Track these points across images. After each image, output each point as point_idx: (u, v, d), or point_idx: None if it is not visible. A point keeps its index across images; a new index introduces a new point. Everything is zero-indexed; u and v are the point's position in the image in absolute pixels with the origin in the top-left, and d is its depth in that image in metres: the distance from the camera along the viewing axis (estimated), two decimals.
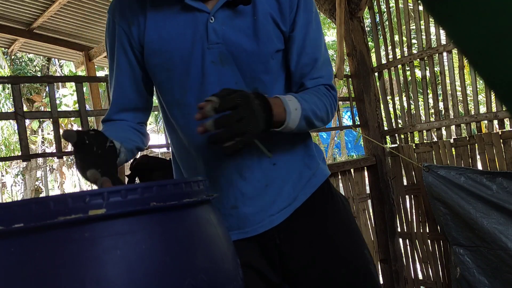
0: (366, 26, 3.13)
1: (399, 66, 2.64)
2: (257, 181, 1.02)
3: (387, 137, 2.78)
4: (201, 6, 0.96)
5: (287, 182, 1.05)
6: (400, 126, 2.68)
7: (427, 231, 2.55)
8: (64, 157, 1.99)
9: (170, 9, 0.98)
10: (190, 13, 0.97)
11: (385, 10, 2.76)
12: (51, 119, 1.83)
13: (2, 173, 12.72)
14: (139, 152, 1.15)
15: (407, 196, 2.66)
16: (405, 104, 2.71)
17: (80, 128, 2.13)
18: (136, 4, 1.00)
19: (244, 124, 0.81)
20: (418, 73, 4.77)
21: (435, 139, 2.50)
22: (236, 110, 0.82)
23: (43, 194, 12.01)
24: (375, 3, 2.76)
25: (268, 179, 1.03)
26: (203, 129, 0.82)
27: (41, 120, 10.40)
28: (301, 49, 1.03)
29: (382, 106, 2.78)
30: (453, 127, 2.44)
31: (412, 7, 2.66)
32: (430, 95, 2.61)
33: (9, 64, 9.92)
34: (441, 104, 2.60)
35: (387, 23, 2.68)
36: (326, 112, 1.02)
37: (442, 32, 2.35)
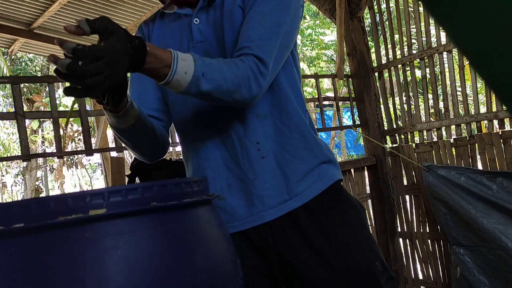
0: (366, 26, 3.13)
1: (399, 66, 2.64)
2: (243, 174, 1.02)
3: (387, 137, 2.78)
4: (187, 11, 1.07)
5: (278, 177, 1.02)
6: (400, 126, 2.68)
7: (427, 231, 2.55)
8: (64, 157, 1.99)
9: (168, 19, 1.12)
10: (180, 20, 1.08)
11: (385, 10, 2.76)
12: (51, 119, 1.83)
13: (2, 173, 12.73)
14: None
15: (407, 196, 2.66)
16: (405, 104, 2.71)
17: (80, 129, 2.12)
18: (151, 19, 1.16)
19: (101, 66, 0.71)
20: (418, 73, 4.77)
21: (435, 139, 2.50)
22: (97, 62, 0.71)
23: (43, 194, 12.01)
24: (375, 3, 2.76)
25: (255, 173, 1.01)
26: (53, 58, 0.73)
27: (41, 120, 10.41)
28: (244, 22, 0.98)
29: (382, 106, 2.78)
30: (453, 127, 2.44)
31: (412, 7, 2.66)
32: (430, 95, 2.61)
33: (9, 64, 9.92)
34: (441, 104, 2.60)
35: (387, 23, 2.68)
36: (236, 85, 0.89)
37: (442, 32, 2.35)
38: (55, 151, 1.85)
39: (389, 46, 2.72)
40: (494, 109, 2.28)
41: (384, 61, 2.77)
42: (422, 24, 2.51)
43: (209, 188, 1.01)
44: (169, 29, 1.10)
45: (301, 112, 1.07)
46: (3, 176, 12.89)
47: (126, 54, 0.75)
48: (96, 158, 11.09)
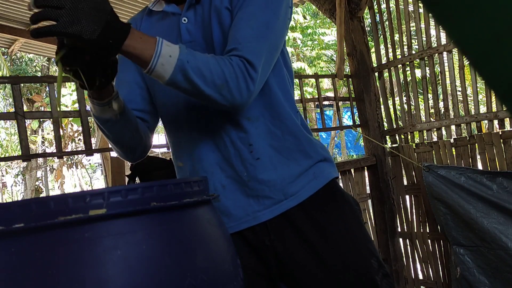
0: (366, 26, 3.13)
1: (399, 66, 2.64)
2: (237, 175, 1.02)
3: (387, 137, 2.78)
4: (175, 10, 1.05)
5: (272, 178, 1.02)
6: (400, 126, 2.68)
7: (427, 231, 2.55)
8: (64, 157, 1.99)
9: (156, 18, 1.10)
10: (168, 18, 1.06)
11: (385, 10, 2.76)
12: (51, 119, 1.83)
13: (2, 173, 12.73)
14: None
15: (407, 196, 2.66)
16: (405, 104, 2.71)
17: (80, 129, 2.12)
18: (139, 16, 1.13)
19: (60, 12, 0.74)
20: (418, 73, 4.78)
21: (435, 139, 2.50)
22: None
23: (43, 194, 12.01)
24: (375, 3, 2.76)
25: (250, 174, 1.01)
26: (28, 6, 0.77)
27: (41, 120, 10.41)
28: (232, 24, 0.96)
29: (382, 106, 2.78)
30: (453, 127, 2.44)
31: (412, 7, 2.66)
32: (430, 95, 2.61)
33: (9, 64, 9.91)
34: (441, 104, 2.60)
35: (387, 23, 2.68)
36: (222, 79, 0.87)
37: (442, 32, 2.35)
38: (55, 151, 1.85)
39: (389, 46, 2.72)
40: (494, 109, 2.28)
41: (384, 61, 2.77)
42: (422, 24, 2.51)
43: None
44: (157, 28, 1.08)
45: (292, 113, 1.06)
46: (3, 176, 12.89)
47: (93, 12, 0.76)
48: (96, 158, 11.09)
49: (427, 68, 2.54)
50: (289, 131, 1.04)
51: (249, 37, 0.91)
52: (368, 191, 2.75)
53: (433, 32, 2.55)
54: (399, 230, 2.70)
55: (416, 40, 2.64)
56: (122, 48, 0.80)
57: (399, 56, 2.63)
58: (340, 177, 2.57)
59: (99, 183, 13.45)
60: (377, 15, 2.92)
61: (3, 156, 10.15)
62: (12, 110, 1.76)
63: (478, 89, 2.40)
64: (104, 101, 0.92)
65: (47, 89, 1.92)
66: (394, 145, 2.70)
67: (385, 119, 2.78)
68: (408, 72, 2.66)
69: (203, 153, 1.04)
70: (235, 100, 0.90)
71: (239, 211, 1.02)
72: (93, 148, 1.95)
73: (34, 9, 0.75)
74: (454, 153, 2.38)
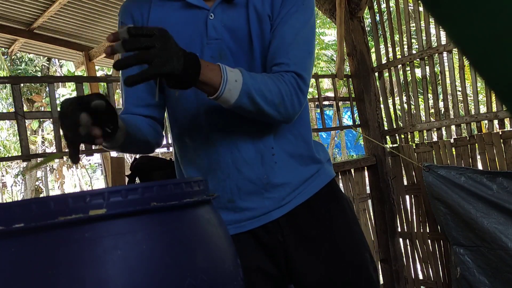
0: (366, 26, 3.13)
1: (399, 66, 2.64)
2: (256, 177, 1.03)
3: (387, 137, 2.78)
4: (201, 4, 1.01)
5: (287, 182, 1.05)
6: (400, 126, 2.68)
7: (427, 231, 2.55)
8: (64, 157, 1.99)
9: (171, 7, 1.04)
10: (190, 10, 1.02)
11: (385, 10, 2.76)
12: (51, 119, 1.83)
13: (2, 173, 12.72)
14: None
15: (407, 196, 2.66)
16: (405, 104, 2.71)
17: None
18: (143, 3, 1.06)
19: (153, 52, 0.77)
20: (418, 73, 4.77)
21: (435, 139, 2.50)
22: (149, 38, 0.78)
23: (43, 194, 12.00)
24: (375, 3, 2.76)
25: (268, 177, 1.03)
26: (110, 49, 0.78)
27: (41, 120, 10.41)
28: (275, 34, 0.99)
29: (382, 106, 2.78)
30: (453, 127, 2.44)
31: (412, 7, 2.66)
32: (430, 95, 2.61)
33: (9, 64, 9.91)
34: (441, 104, 2.60)
35: (387, 23, 2.68)
36: (280, 98, 0.93)
37: (442, 32, 2.35)
38: (55, 151, 1.85)
39: (389, 46, 2.72)
40: (494, 109, 2.28)
41: (384, 61, 2.77)
42: (422, 23, 2.51)
43: (218, 190, 1.02)
44: (176, 17, 1.03)
45: (307, 119, 1.11)
46: (3, 176, 12.89)
47: (176, 48, 0.80)
48: (96, 158, 11.09)
49: (427, 68, 2.54)
50: (302, 137, 1.08)
51: (297, 53, 0.97)
52: (368, 191, 2.75)
53: (433, 31, 2.55)
54: (399, 230, 2.70)
55: (416, 40, 2.64)
56: (199, 78, 0.84)
57: (399, 56, 2.63)
58: (340, 177, 2.57)
59: (99, 183, 13.44)
60: (377, 15, 2.92)
61: (3, 156, 10.15)
62: (12, 110, 1.76)
63: (478, 89, 2.40)
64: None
65: (47, 89, 1.92)
66: (394, 145, 2.70)
67: (385, 119, 2.78)
68: (408, 72, 2.65)
69: (221, 153, 1.03)
70: (289, 114, 0.97)
71: (254, 212, 1.04)
72: (93, 148, 1.95)
73: (125, 36, 0.76)
74: (454, 153, 2.38)
